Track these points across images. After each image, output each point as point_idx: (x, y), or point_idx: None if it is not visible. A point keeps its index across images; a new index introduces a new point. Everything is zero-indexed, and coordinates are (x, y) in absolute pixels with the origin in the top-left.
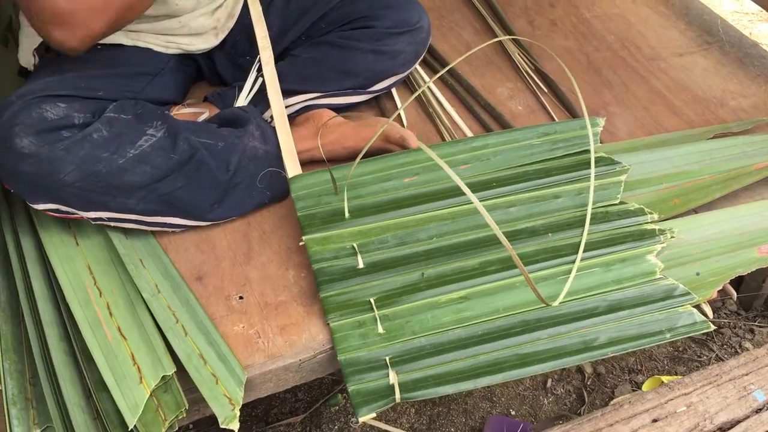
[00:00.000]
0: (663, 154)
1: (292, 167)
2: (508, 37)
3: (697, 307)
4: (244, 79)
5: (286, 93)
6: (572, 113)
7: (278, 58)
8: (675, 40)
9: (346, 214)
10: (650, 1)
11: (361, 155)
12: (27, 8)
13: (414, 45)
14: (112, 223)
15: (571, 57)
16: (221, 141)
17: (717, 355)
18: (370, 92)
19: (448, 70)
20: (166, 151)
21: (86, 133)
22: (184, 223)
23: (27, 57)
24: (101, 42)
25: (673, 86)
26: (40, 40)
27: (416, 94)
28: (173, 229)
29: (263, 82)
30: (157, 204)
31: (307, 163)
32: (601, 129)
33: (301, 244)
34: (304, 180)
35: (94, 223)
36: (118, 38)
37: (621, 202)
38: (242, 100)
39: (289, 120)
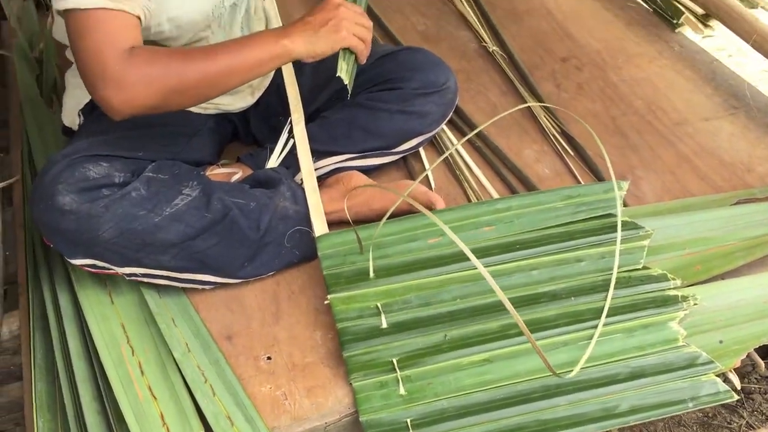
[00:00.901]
0: (686, 219)
1: (320, 226)
2: (537, 104)
3: (723, 375)
4: (277, 140)
5: (317, 153)
6: (598, 177)
7: (309, 119)
8: (701, 105)
9: (371, 274)
10: (677, 65)
11: (387, 216)
12: (84, 65)
13: (441, 106)
14: (146, 279)
15: (598, 121)
16: (253, 201)
17: (747, 422)
18: (398, 152)
19: (477, 133)
20: (201, 210)
21: (125, 192)
22: (214, 280)
23: (72, 117)
24: None
25: (699, 151)
26: (86, 101)
27: (443, 157)
28: (204, 286)
29: (294, 144)
30: (189, 261)
31: (335, 223)
32: (626, 192)
33: (326, 302)
34: (331, 239)
35: (128, 279)
36: None
37: (644, 267)
38: (273, 161)
39: (319, 181)
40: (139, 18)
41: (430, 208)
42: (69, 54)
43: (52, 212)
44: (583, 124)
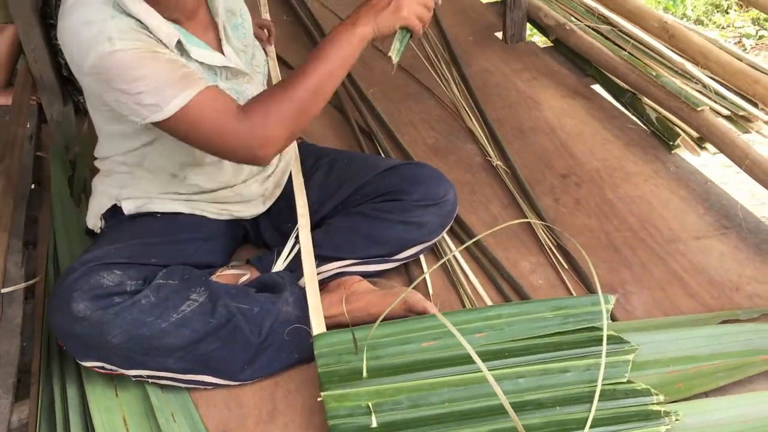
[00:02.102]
0: (671, 336)
1: (318, 326)
2: (533, 220)
3: None
4: (285, 244)
5: (321, 259)
6: (591, 290)
7: (316, 226)
8: (694, 224)
9: (364, 374)
10: (671, 185)
11: (381, 317)
12: (217, 147)
13: (440, 217)
14: (151, 380)
15: (593, 235)
16: (257, 306)
17: None
18: (398, 260)
19: (475, 243)
20: (206, 316)
21: (135, 300)
22: (216, 382)
23: (94, 220)
24: (161, 211)
25: (690, 269)
26: (108, 206)
27: (440, 263)
28: (205, 387)
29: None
30: (193, 363)
31: (335, 327)
32: (615, 306)
33: (319, 399)
34: (328, 338)
35: (134, 379)
36: (178, 207)
37: (628, 381)
38: (280, 264)
39: (322, 285)
40: (217, 85)
41: (425, 314)
42: (98, 162)
43: (67, 317)
44: (574, 242)
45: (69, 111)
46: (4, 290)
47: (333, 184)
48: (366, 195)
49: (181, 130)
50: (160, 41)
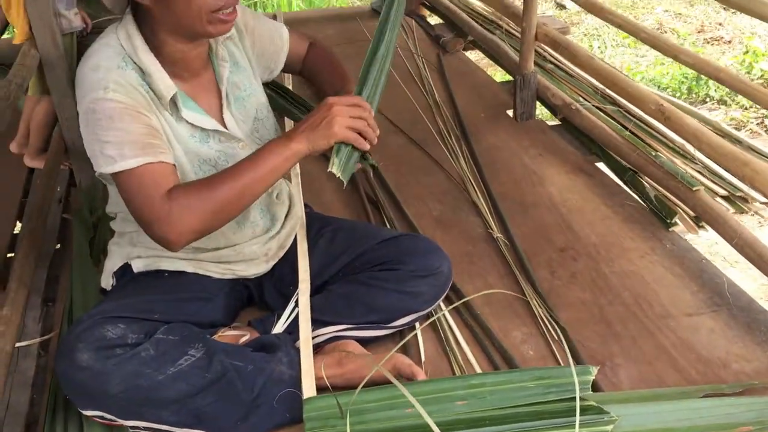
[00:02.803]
0: (654, 408)
1: (309, 389)
2: (513, 293)
3: None
4: (286, 307)
5: (319, 323)
6: (579, 362)
7: (316, 291)
8: (686, 301)
9: None
10: (666, 261)
11: (363, 383)
12: (139, 214)
13: (434, 288)
14: None
15: (586, 308)
16: (251, 364)
17: None
18: (393, 327)
19: (469, 311)
20: (202, 370)
21: (136, 352)
22: None
23: (107, 279)
24: (168, 269)
25: (679, 344)
26: (120, 264)
27: (429, 321)
28: None
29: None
30: (187, 417)
31: (326, 389)
32: (593, 377)
33: None
34: (317, 402)
35: (131, 431)
36: (183, 266)
37: None
38: (279, 326)
39: (318, 347)
40: (174, 166)
41: (413, 379)
42: (112, 223)
43: (71, 367)
44: (560, 322)
45: (97, 176)
46: (19, 344)
47: (335, 252)
48: (365, 263)
49: (123, 189)
50: (156, 94)
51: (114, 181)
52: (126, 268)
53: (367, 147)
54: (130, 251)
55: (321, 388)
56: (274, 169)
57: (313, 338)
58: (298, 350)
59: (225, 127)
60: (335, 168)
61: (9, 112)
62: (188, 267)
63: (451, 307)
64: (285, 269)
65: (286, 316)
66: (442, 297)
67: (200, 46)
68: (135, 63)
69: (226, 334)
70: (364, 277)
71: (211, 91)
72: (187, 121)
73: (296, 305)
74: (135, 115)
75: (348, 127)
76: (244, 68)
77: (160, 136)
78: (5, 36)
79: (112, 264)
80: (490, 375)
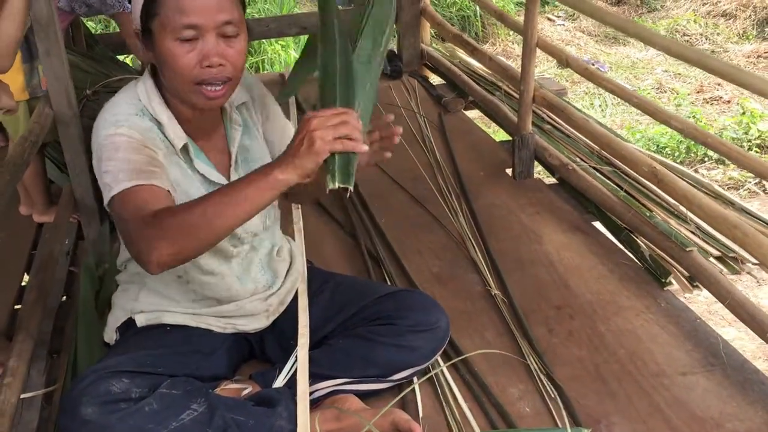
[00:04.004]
0: None
1: None
2: (510, 354)
3: None
4: (287, 361)
5: (318, 377)
6: (575, 420)
7: (316, 345)
8: (681, 360)
9: None
10: (661, 320)
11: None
12: (125, 236)
13: (432, 342)
14: None
15: (582, 366)
16: (252, 419)
17: None
18: (391, 381)
19: (467, 368)
20: (203, 425)
21: (139, 407)
22: None
23: (111, 333)
24: (171, 323)
25: (673, 403)
26: (123, 320)
27: (427, 377)
28: None
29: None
30: None
31: None
32: None
33: None
34: None
35: None
36: (185, 320)
37: None
38: (280, 381)
39: (317, 401)
40: (169, 192)
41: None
42: (118, 276)
43: (74, 420)
44: (556, 379)
45: (105, 229)
46: (24, 395)
47: (335, 307)
48: (364, 318)
49: (115, 216)
50: (171, 142)
51: (112, 211)
52: (129, 322)
53: (363, 149)
54: (134, 306)
55: None
56: (252, 199)
57: (311, 392)
58: (296, 404)
59: None
60: (332, 182)
61: (24, 169)
62: (190, 321)
63: (449, 363)
64: (286, 324)
65: (287, 371)
66: (440, 352)
67: (207, 110)
68: (151, 114)
69: (228, 388)
70: (363, 331)
71: (221, 150)
72: (198, 172)
73: (296, 360)
74: (139, 148)
75: (332, 138)
76: (256, 137)
77: (160, 168)
78: None
79: (114, 319)
80: None
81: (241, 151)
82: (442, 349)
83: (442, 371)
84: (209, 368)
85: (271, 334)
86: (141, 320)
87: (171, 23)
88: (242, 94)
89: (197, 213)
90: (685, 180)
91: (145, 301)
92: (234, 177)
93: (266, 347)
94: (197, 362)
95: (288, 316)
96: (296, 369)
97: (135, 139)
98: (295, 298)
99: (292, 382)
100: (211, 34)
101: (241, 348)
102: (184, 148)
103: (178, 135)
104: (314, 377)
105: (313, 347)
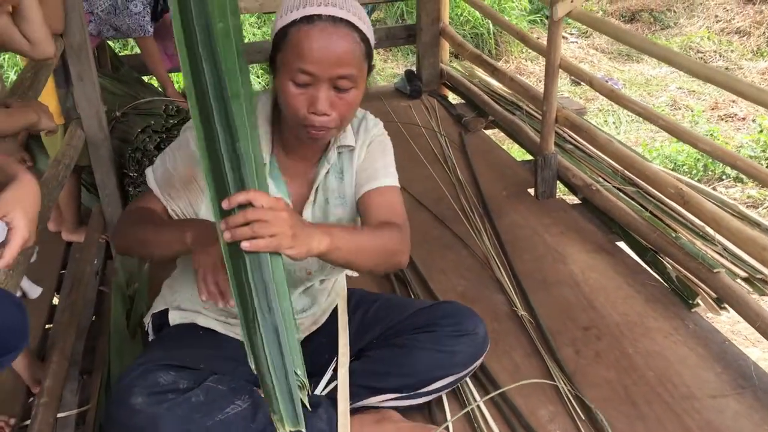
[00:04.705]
0: None
1: None
2: (557, 384)
3: None
4: (318, 375)
5: (357, 387)
6: None
7: (353, 358)
8: (710, 382)
9: None
10: (690, 342)
11: None
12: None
13: (471, 347)
14: None
15: (611, 388)
16: None
17: None
18: (427, 392)
19: (496, 388)
20: (247, 421)
21: (187, 397)
22: None
23: (148, 318)
24: (203, 326)
25: (704, 426)
26: (161, 307)
27: (464, 411)
28: None
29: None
30: None
31: None
32: None
33: None
34: None
35: None
36: (215, 325)
37: None
38: (318, 390)
39: (356, 411)
40: (165, 208)
41: None
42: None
43: (125, 410)
44: (592, 406)
45: None
46: (59, 415)
47: (372, 321)
48: (402, 329)
49: None
50: None
51: None
52: (164, 316)
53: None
54: (174, 299)
55: None
56: (167, 243)
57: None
58: (335, 409)
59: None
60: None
61: (59, 191)
62: (219, 328)
63: (486, 397)
64: (322, 340)
65: (325, 382)
66: (479, 361)
67: (308, 143)
68: None
69: None
70: (401, 340)
71: (305, 181)
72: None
73: (334, 373)
74: (189, 164)
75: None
76: (346, 180)
77: (193, 190)
78: None
79: (155, 305)
80: None
81: (324, 189)
82: (482, 357)
83: (472, 393)
84: (242, 374)
85: (305, 349)
86: (175, 317)
87: (289, 64)
88: (352, 138)
89: (139, 234)
90: (710, 201)
91: (185, 298)
92: (307, 210)
93: None
94: (230, 367)
95: (321, 333)
96: (335, 384)
97: (193, 154)
98: (329, 318)
99: (330, 395)
100: (325, 83)
101: None
102: None
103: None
104: (352, 388)
105: (351, 358)
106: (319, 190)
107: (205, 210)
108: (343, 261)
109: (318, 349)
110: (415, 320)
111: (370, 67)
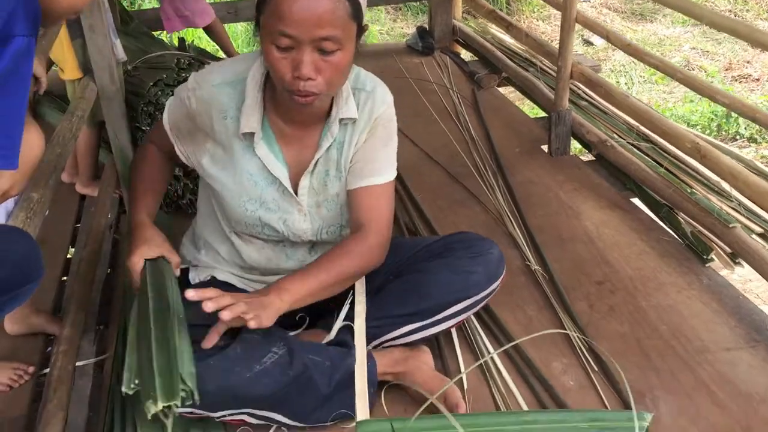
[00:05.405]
0: None
1: (362, 412)
2: (571, 333)
3: None
4: (330, 316)
5: (377, 319)
6: (619, 394)
7: (369, 295)
8: (724, 336)
9: None
10: (704, 296)
11: (419, 412)
12: None
13: (486, 267)
14: (230, 419)
15: (624, 341)
16: (328, 360)
17: None
18: (447, 318)
19: (509, 340)
20: (284, 367)
21: (225, 353)
22: (285, 421)
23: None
24: (220, 279)
25: (718, 379)
26: (183, 266)
27: (478, 363)
28: (275, 425)
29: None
30: (269, 406)
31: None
32: (647, 424)
33: None
34: (370, 426)
35: (217, 420)
36: (232, 279)
37: None
38: (335, 329)
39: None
40: (171, 145)
41: (455, 409)
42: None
43: None
44: (603, 352)
45: None
46: (78, 363)
47: (386, 260)
48: (415, 261)
49: None
50: (239, 123)
51: None
52: (185, 275)
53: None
54: (194, 256)
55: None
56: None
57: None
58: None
59: (297, 185)
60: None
61: (73, 143)
62: (236, 282)
63: (500, 349)
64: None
65: (343, 317)
66: (496, 284)
67: (302, 109)
68: (242, 89)
69: (299, 333)
70: (415, 269)
71: (305, 148)
72: (259, 159)
73: (351, 306)
74: (190, 117)
75: None
76: (347, 153)
77: (198, 140)
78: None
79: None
80: (544, 413)
81: (325, 161)
82: (498, 280)
83: (485, 344)
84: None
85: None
86: (194, 276)
87: (270, 27)
88: (355, 110)
89: (131, 182)
90: (728, 156)
91: (204, 256)
92: (305, 179)
93: (311, 313)
94: None
95: None
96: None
97: (190, 109)
98: None
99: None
100: (307, 46)
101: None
102: (248, 135)
103: (249, 122)
104: (371, 322)
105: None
106: (320, 161)
107: (207, 161)
108: (312, 301)
109: (331, 300)
110: (429, 250)
111: (361, 28)
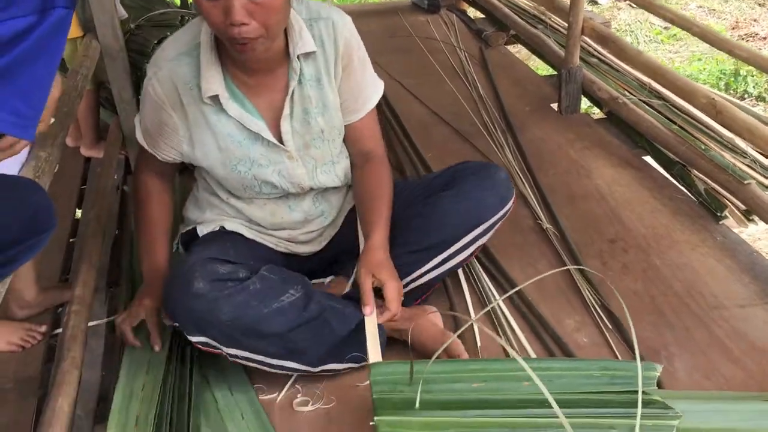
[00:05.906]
0: (719, 406)
1: (374, 355)
2: (573, 267)
3: None
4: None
5: (394, 260)
6: (634, 352)
7: None
8: (738, 292)
9: (417, 405)
10: (717, 254)
11: (437, 354)
12: None
13: (494, 191)
14: (242, 361)
15: (638, 299)
16: (346, 308)
17: None
18: (466, 246)
19: (522, 299)
20: (300, 309)
21: (245, 285)
22: (298, 368)
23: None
24: (229, 229)
25: (733, 335)
26: (189, 227)
27: (486, 310)
28: (288, 372)
29: None
30: (280, 349)
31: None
32: (658, 375)
33: (372, 423)
34: (383, 368)
35: (230, 359)
36: (242, 230)
37: None
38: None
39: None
40: (165, 163)
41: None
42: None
43: (187, 295)
44: (619, 298)
45: None
46: (91, 323)
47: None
48: (424, 192)
49: None
50: (200, 89)
51: None
52: (188, 235)
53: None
54: (199, 216)
55: (390, 336)
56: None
57: None
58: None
59: (279, 132)
60: None
61: (78, 102)
62: (247, 233)
63: (505, 295)
64: (340, 240)
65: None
66: (508, 206)
67: (254, 59)
68: (198, 55)
69: (317, 282)
70: (425, 203)
71: (277, 96)
72: (234, 119)
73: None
74: (157, 108)
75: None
76: (325, 87)
77: (168, 134)
78: None
79: (182, 227)
80: (557, 361)
81: (300, 101)
82: (510, 203)
83: (494, 295)
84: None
85: (326, 253)
86: (203, 230)
87: None
88: (311, 43)
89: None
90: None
91: (210, 215)
92: (285, 125)
93: (323, 263)
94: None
95: (341, 237)
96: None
97: (158, 97)
98: (347, 219)
99: None
100: None
101: (297, 262)
102: (215, 98)
103: (209, 86)
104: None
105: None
106: (294, 101)
107: (187, 147)
108: None
109: (339, 249)
110: (434, 183)
111: None
